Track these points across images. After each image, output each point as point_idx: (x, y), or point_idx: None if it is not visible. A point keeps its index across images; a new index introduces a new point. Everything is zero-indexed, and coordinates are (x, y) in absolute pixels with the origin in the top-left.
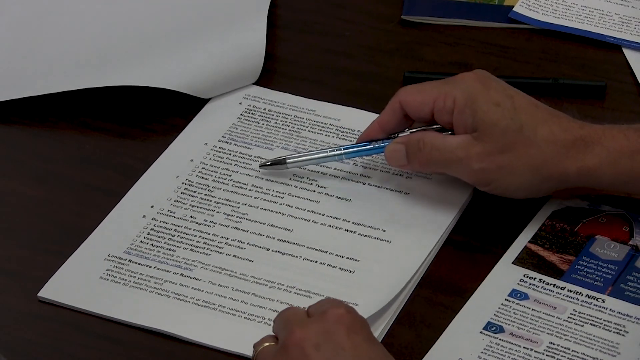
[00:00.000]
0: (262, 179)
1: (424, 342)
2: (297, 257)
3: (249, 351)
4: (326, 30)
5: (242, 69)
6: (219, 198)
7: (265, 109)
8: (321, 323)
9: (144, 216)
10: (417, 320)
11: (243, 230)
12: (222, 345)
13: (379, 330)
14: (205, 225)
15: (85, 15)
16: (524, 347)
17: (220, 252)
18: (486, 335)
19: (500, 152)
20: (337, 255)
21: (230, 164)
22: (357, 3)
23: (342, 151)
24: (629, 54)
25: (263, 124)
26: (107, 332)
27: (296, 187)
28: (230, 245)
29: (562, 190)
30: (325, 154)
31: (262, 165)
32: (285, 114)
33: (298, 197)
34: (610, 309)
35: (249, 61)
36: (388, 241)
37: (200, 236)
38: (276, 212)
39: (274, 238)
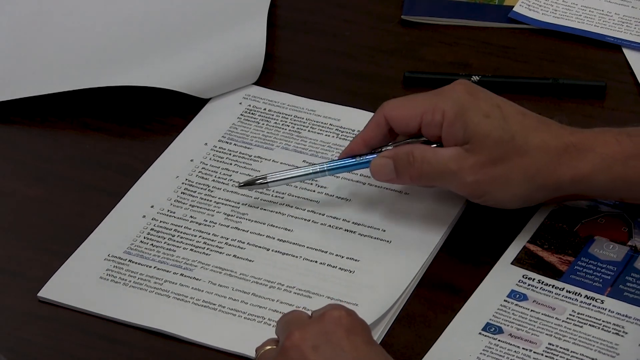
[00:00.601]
0: None
1: (423, 342)
2: (297, 257)
3: (248, 351)
4: (326, 30)
5: (242, 69)
6: (219, 198)
7: (265, 109)
8: (320, 324)
9: (144, 216)
10: (417, 320)
11: (243, 230)
12: (221, 345)
13: (379, 331)
14: (205, 225)
15: (85, 15)
16: (523, 348)
17: (220, 252)
18: (485, 336)
19: (493, 163)
20: (337, 255)
21: (230, 164)
22: (357, 3)
23: (325, 167)
24: (629, 54)
25: (263, 124)
26: (107, 332)
27: (296, 186)
28: (230, 245)
29: (554, 198)
30: (308, 172)
31: (242, 186)
32: (285, 114)
33: (298, 197)
34: (609, 310)
35: (249, 61)
36: (388, 241)
37: (200, 236)
38: (276, 212)
39: (274, 238)
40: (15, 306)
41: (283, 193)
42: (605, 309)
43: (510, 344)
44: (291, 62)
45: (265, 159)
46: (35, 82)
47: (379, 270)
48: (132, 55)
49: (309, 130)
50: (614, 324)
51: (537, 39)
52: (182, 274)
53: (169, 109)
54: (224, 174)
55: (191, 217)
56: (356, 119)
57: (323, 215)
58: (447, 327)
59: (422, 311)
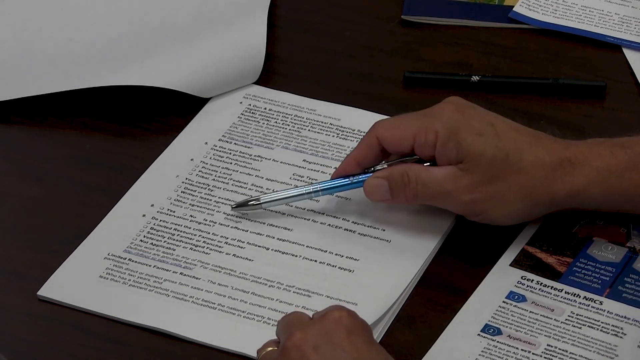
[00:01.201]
0: (263, 178)
1: (423, 342)
2: (296, 256)
3: (248, 350)
4: (326, 30)
5: (243, 68)
6: (219, 197)
7: (265, 108)
8: (321, 325)
9: (144, 215)
10: (416, 320)
11: (243, 230)
12: (221, 344)
13: (378, 330)
14: (205, 224)
15: (85, 15)
16: (522, 350)
17: (220, 252)
18: (484, 337)
19: (489, 182)
20: (336, 254)
21: (231, 163)
22: (357, 3)
23: (319, 188)
24: (629, 54)
25: (263, 123)
26: (106, 331)
27: (296, 186)
28: (230, 244)
29: (550, 213)
30: (301, 192)
31: (235, 207)
32: (286, 113)
33: None
34: (608, 311)
35: (249, 60)
36: (388, 241)
37: (200, 235)
38: (276, 212)
39: (273, 237)
40: (15, 306)
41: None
42: (604, 310)
43: (509, 345)
44: (291, 62)
45: (266, 158)
46: (35, 82)
47: (379, 269)
48: (132, 54)
49: (309, 130)
50: (612, 325)
51: (537, 39)
52: (181, 273)
53: (169, 109)
54: (224, 173)
55: (191, 216)
56: (357, 119)
57: (323, 214)
58: (446, 328)
59: (422, 311)
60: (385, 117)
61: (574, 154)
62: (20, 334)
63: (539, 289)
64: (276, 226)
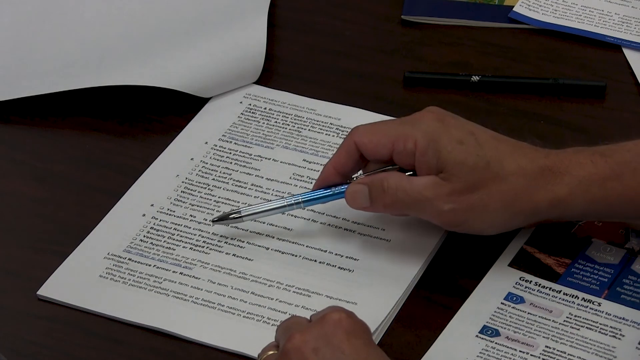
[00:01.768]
0: (263, 177)
1: (423, 342)
2: (296, 256)
3: (248, 350)
4: (326, 30)
5: (243, 68)
6: (219, 197)
7: (265, 108)
8: (320, 327)
9: (143, 215)
10: (416, 320)
11: (243, 230)
12: (221, 343)
13: (378, 330)
14: (205, 224)
15: (84, 15)
16: (520, 351)
17: (220, 251)
18: (482, 339)
19: (470, 191)
20: (336, 254)
21: (231, 162)
22: (357, 3)
23: (300, 199)
24: (629, 54)
25: (263, 123)
26: (106, 331)
27: (296, 186)
28: (229, 244)
29: (532, 224)
30: (282, 204)
31: (215, 220)
32: (286, 113)
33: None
34: (607, 313)
35: (249, 60)
36: (387, 240)
37: (199, 235)
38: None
39: (273, 237)
40: (15, 306)
41: (283, 192)
42: (603, 312)
43: (507, 347)
44: (291, 62)
45: (266, 158)
46: (35, 82)
47: (379, 269)
48: (132, 54)
49: (309, 129)
50: (611, 327)
51: (537, 39)
52: (181, 273)
53: (169, 109)
54: (224, 172)
55: (191, 215)
56: (357, 118)
57: (323, 214)
58: (444, 329)
59: (422, 311)
60: (385, 117)
61: (554, 162)
62: (20, 334)
63: (538, 290)
64: (276, 225)
